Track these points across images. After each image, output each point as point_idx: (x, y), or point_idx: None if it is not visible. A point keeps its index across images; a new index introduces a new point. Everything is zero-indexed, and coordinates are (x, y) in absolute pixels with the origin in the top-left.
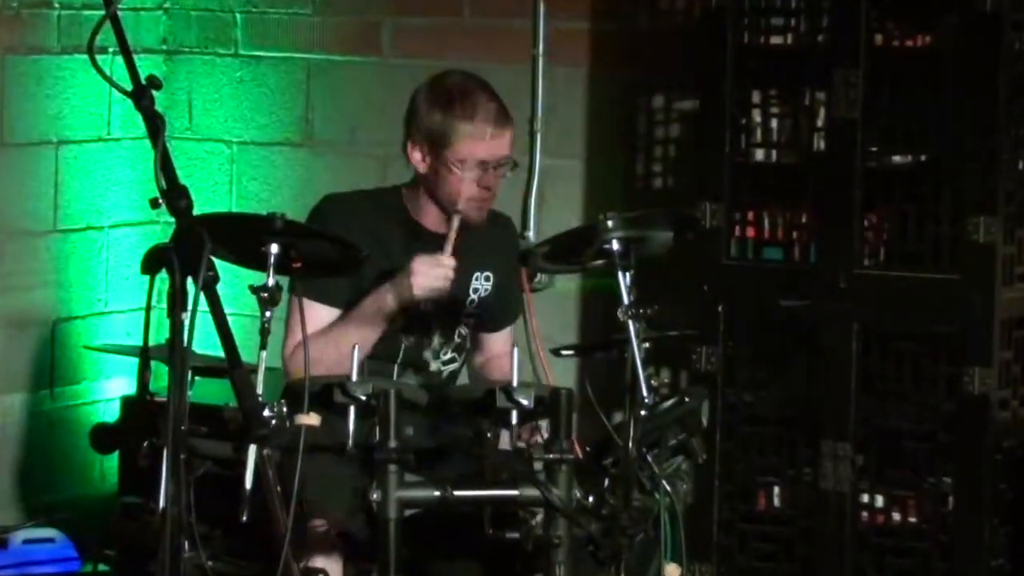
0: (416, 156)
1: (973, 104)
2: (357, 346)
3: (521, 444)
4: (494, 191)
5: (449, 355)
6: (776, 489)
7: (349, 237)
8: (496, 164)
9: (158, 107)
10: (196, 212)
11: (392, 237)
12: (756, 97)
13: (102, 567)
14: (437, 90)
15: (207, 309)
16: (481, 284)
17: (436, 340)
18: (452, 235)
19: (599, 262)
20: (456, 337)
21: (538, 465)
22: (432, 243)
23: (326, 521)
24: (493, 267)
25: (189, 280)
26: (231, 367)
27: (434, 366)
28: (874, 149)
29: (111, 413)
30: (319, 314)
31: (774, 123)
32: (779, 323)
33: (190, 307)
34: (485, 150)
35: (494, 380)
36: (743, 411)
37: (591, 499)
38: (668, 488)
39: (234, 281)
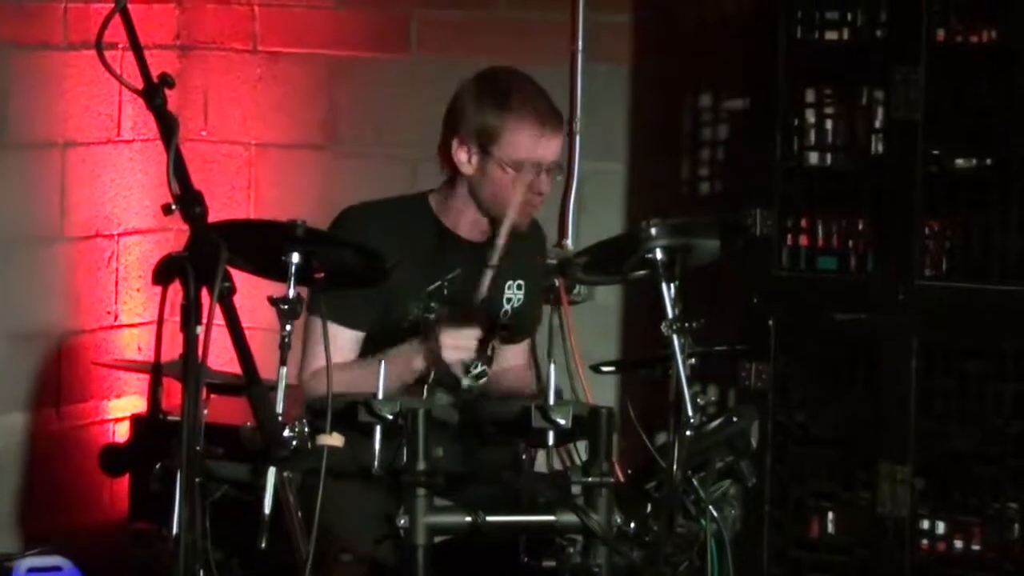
0: (462, 156)
1: None
2: (389, 364)
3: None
4: (543, 197)
5: (480, 369)
6: (831, 515)
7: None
8: (548, 168)
9: (171, 107)
10: (212, 219)
11: (422, 247)
12: (810, 96)
13: None
14: (487, 86)
15: (223, 322)
16: (514, 294)
17: (472, 355)
18: (502, 240)
19: (641, 272)
20: (488, 351)
21: (576, 489)
22: (465, 252)
23: (353, 555)
24: (524, 275)
25: (204, 291)
26: (249, 384)
27: (466, 383)
28: (936, 152)
29: (121, 433)
30: (342, 337)
31: (829, 124)
32: (834, 337)
33: (205, 320)
34: (541, 152)
35: (508, 389)
36: (795, 431)
37: (633, 525)
38: (715, 514)
39: (252, 292)
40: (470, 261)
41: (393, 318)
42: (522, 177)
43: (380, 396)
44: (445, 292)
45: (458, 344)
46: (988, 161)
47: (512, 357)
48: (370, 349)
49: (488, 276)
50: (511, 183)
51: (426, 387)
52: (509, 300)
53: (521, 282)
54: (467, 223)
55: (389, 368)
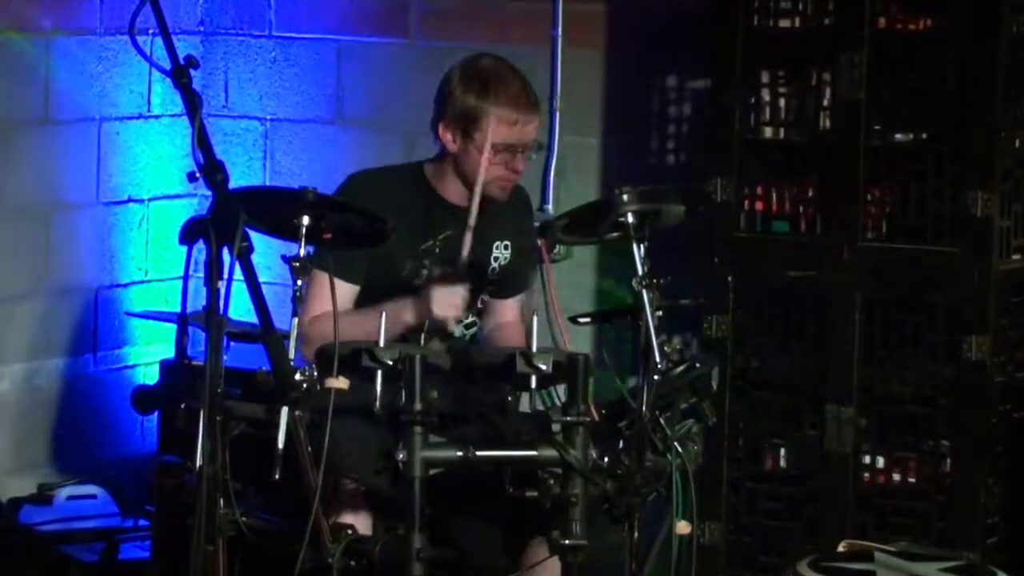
0: (447, 136)
1: (972, 84)
2: (385, 315)
3: None
4: (520, 173)
5: (470, 320)
6: (782, 450)
7: (375, 211)
8: (524, 148)
9: (196, 86)
10: (232, 186)
11: (415, 209)
12: (765, 77)
13: (142, 522)
14: (471, 74)
15: (242, 278)
16: (501, 253)
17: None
18: (474, 209)
19: (615, 234)
20: (479, 303)
21: (556, 427)
22: (455, 215)
23: (354, 478)
24: (511, 236)
25: (225, 250)
26: (265, 333)
27: (457, 332)
28: (877, 127)
29: (151, 376)
30: (339, 288)
31: (782, 102)
32: (786, 293)
33: (226, 276)
34: (515, 135)
35: (500, 346)
36: (751, 376)
37: (606, 459)
38: (680, 449)
39: (267, 251)
40: (459, 223)
41: (389, 273)
42: (499, 157)
43: (382, 344)
44: (437, 250)
45: (446, 301)
46: (924, 135)
47: (506, 312)
48: (368, 300)
49: (468, 237)
50: (488, 163)
51: (423, 335)
52: (496, 259)
53: (508, 242)
54: (455, 190)
55: (383, 320)
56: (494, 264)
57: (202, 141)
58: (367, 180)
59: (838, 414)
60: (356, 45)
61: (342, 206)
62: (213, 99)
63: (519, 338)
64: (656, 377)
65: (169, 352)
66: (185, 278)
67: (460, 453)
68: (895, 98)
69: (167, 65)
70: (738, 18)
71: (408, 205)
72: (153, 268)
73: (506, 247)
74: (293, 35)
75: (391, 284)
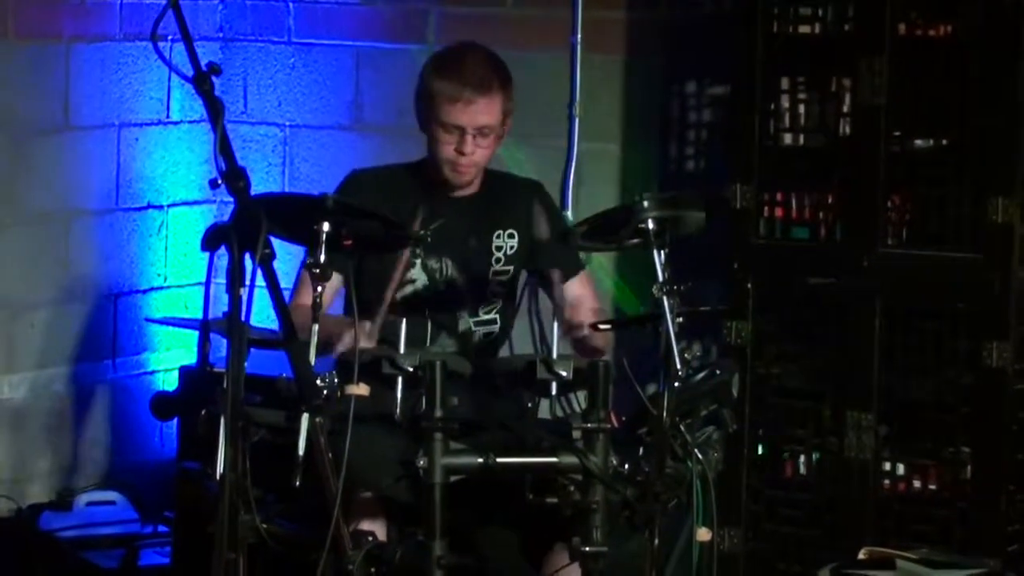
0: (419, 121)
1: (993, 90)
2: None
3: None
4: (474, 158)
5: (482, 316)
6: (802, 457)
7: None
8: (475, 131)
9: (216, 92)
10: (252, 192)
11: (408, 201)
12: (785, 84)
13: (162, 528)
14: (436, 57)
15: (264, 284)
16: (505, 242)
17: (468, 300)
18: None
19: (635, 241)
20: (490, 296)
21: (577, 434)
22: (448, 204)
23: (372, 492)
24: (517, 225)
25: (247, 256)
26: (286, 339)
27: (462, 325)
28: (897, 133)
29: (170, 382)
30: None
31: (802, 108)
32: (806, 299)
33: (248, 282)
34: (460, 114)
35: (583, 321)
36: (771, 383)
37: (627, 466)
38: (700, 456)
39: (286, 257)
40: (452, 211)
41: (382, 264)
42: (447, 137)
43: (402, 351)
44: (428, 239)
45: (348, 342)
46: (944, 142)
47: (571, 291)
48: (361, 291)
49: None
50: (437, 143)
51: (429, 331)
52: (500, 248)
53: (512, 231)
54: (440, 178)
55: (322, 326)
56: (497, 254)
57: (224, 148)
58: (360, 177)
59: (858, 421)
60: (375, 51)
61: (362, 212)
62: (232, 105)
63: (590, 304)
64: (676, 384)
65: (188, 358)
66: (207, 284)
67: (480, 460)
68: (915, 104)
69: (188, 71)
70: (758, 24)
71: (400, 198)
72: (172, 274)
73: (511, 235)
74: (312, 41)
75: (384, 274)
